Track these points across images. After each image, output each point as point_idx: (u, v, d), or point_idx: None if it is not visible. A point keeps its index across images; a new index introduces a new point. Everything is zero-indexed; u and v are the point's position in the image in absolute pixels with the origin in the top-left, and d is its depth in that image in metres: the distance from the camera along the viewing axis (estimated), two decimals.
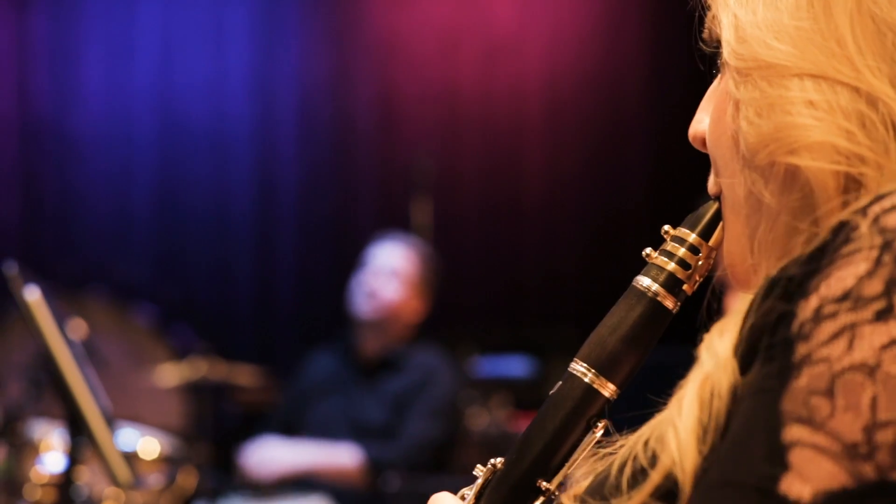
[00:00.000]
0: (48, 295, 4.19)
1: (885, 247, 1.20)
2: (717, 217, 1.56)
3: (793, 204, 1.37)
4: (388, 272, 6.37)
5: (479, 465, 1.61)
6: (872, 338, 1.17)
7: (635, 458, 1.38)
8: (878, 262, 1.20)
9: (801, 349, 1.20)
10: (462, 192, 9.00)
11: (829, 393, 1.17)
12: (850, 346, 1.18)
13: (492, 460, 1.59)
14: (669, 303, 1.57)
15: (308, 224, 8.99)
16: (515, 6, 9.19)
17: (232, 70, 9.07)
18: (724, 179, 1.50)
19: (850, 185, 1.33)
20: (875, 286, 1.19)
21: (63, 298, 5.77)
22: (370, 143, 9.09)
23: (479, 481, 1.59)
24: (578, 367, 1.58)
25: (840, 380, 1.17)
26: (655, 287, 1.57)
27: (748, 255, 1.47)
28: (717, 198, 1.55)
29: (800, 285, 1.24)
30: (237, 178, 8.99)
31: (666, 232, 1.60)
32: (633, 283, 1.58)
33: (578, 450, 1.59)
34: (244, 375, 6.71)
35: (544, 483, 1.57)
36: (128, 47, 9.06)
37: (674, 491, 1.30)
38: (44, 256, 8.67)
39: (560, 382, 1.59)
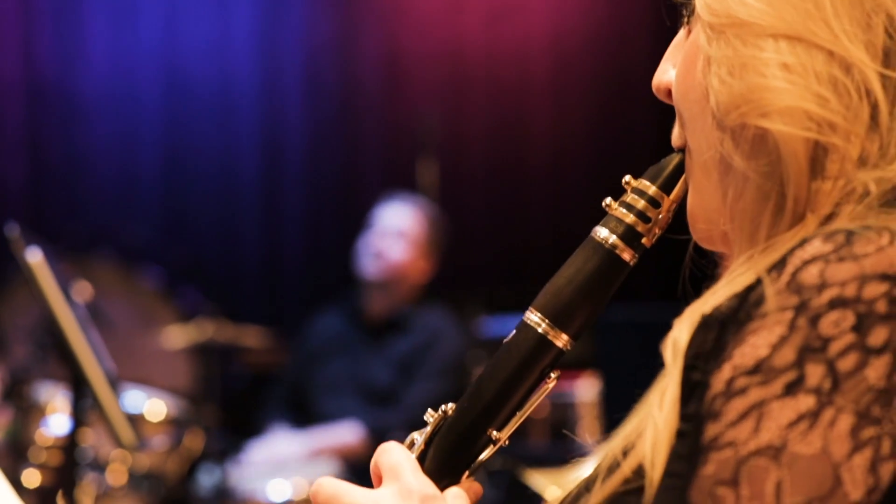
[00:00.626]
0: (51, 257, 4.18)
1: (801, 308, 1.18)
2: (680, 170, 1.54)
3: (762, 168, 1.34)
4: (395, 233, 6.36)
5: (429, 410, 1.58)
6: (780, 415, 1.15)
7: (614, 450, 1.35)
8: (791, 327, 1.18)
9: (710, 430, 1.18)
10: (468, 153, 8.97)
11: (734, 482, 1.16)
12: (757, 426, 1.16)
13: (443, 406, 1.57)
14: (627, 255, 1.54)
15: (314, 185, 8.97)
16: None
17: (237, 30, 9.03)
18: (691, 134, 1.48)
19: (820, 152, 1.31)
20: (787, 355, 1.17)
21: (70, 261, 5.77)
22: (376, 104, 9.06)
23: (429, 427, 1.57)
24: (533, 317, 1.55)
25: (745, 466, 1.16)
26: (613, 239, 1.54)
27: (714, 214, 1.44)
28: (681, 150, 1.53)
29: (716, 346, 1.22)
30: (243, 140, 8.97)
31: (627, 182, 1.57)
32: (592, 234, 1.56)
33: (531, 400, 1.57)
34: (251, 337, 6.71)
35: (495, 432, 1.55)
36: (133, 8, 9.02)
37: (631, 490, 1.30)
38: (50, 219, 8.67)
39: (514, 331, 1.57)
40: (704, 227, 1.49)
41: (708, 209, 1.46)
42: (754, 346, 1.19)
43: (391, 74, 9.07)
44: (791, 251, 1.23)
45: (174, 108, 8.98)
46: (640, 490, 1.27)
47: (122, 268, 7.53)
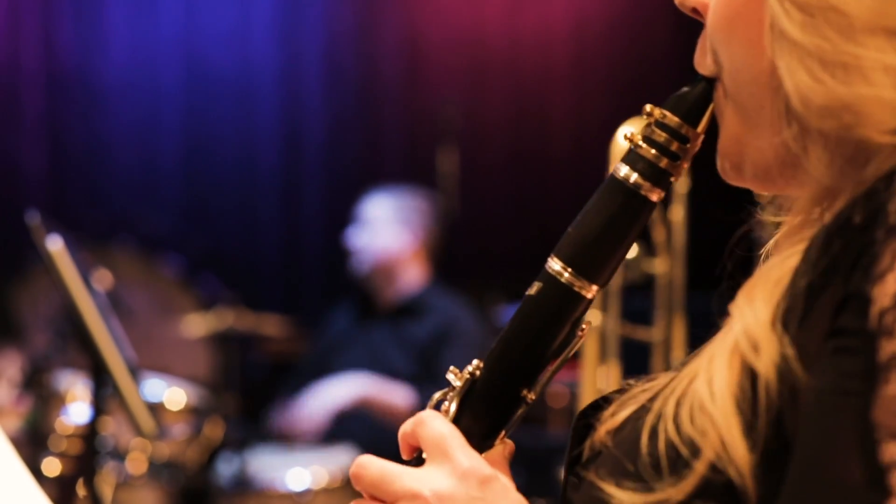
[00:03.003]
0: (71, 245, 4.17)
1: None
2: (707, 99, 1.42)
3: (840, 166, 1.24)
4: (366, 225, 6.42)
5: (454, 370, 1.51)
6: None
7: (667, 431, 1.26)
8: None
9: (887, 347, 1.09)
10: (489, 140, 8.95)
11: None
12: None
13: (468, 367, 1.49)
14: (653, 195, 1.44)
15: (334, 173, 8.95)
16: None
17: (257, 19, 9.02)
18: (731, 81, 1.36)
19: None
20: None
21: (90, 249, 5.76)
22: (396, 92, 9.04)
23: (459, 390, 1.49)
24: (555, 266, 1.47)
25: None
26: (636, 178, 1.43)
27: (760, 157, 1.34)
28: (706, 79, 1.42)
29: (866, 253, 1.13)
30: (263, 128, 8.96)
31: (649, 114, 1.45)
32: (613, 173, 1.45)
33: (561, 357, 1.49)
34: (271, 326, 6.70)
35: (526, 390, 1.48)
36: None
37: (715, 483, 1.21)
38: (71, 207, 8.67)
39: (538, 283, 1.48)
40: (736, 166, 1.39)
41: (742, 149, 1.36)
42: None
43: (411, 62, 9.05)
44: None
45: (194, 96, 8.97)
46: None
47: (142, 256, 7.53)
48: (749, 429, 1.18)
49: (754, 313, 1.21)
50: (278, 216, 8.93)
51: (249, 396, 7.08)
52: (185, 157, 8.97)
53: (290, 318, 7.08)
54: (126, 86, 8.96)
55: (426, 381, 6.02)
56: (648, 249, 4.03)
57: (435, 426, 1.43)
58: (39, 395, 5.40)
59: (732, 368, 1.21)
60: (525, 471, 5.75)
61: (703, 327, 1.36)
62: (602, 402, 1.45)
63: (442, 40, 9.03)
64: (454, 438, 1.42)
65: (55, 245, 4.08)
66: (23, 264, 7.15)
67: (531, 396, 1.49)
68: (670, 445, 1.26)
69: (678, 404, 1.27)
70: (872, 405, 1.09)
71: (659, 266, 4.02)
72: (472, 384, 1.49)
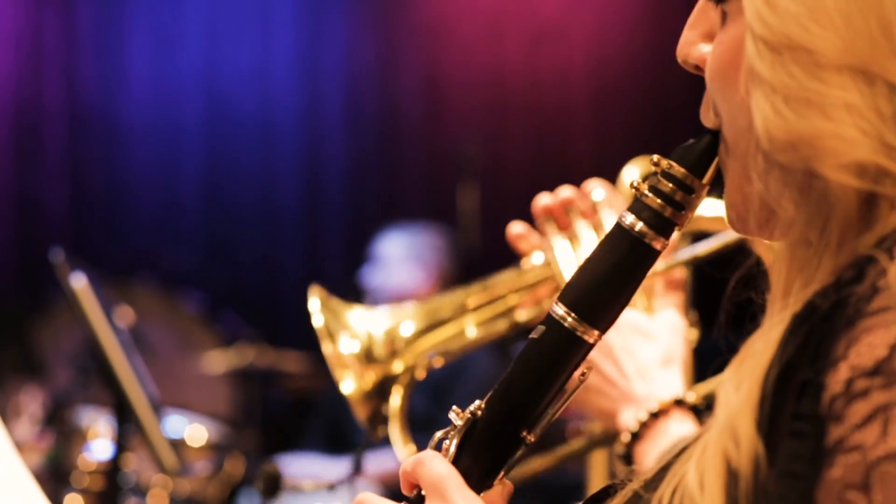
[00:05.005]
0: (95, 282, 4.19)
1: None
2: (712, 151, 1.44)
3: (807, 214, 1.26)
4: (380, 263, 6.43)
5: (456, 409, 1.53)
6: None
7: None
8: None
9: (834, 432, 1.14)
10: (509, 178, 8.96)
11: (865, 487, 1.12)
12: (885, 430, 1.12)
13: (470, 406, 1.51)
14: (657, 244, 1.46)
15: (355, 210, 8.98)
16: None
17: (278, 56, 9.07)
18: (728, 129, 1.39)
19: (874, 199, 1.23)
20: None
21: (111, 286, 5.79)
22: (417, 129, 9.06)
23: (459, 430, 1.51)
24: (559, 310, 1.48)
25: (876, 471, 1.12)
26: (641, 226, 1.46)
27: (759, 212, 1.36)
28: (711, 131, 1.44)
29: (825, 342, 1.17)
30: (284, 165, 8.99)
31: (655, 164, 1.47)
32: (619, 221, 1.47)
33: (562, 400, 1.51)
34: (291, 362, 6.72)
35: (526, 432, 1.50)
36: (174, 35, 9.07)
37: None
38: (92, 244, 8.71)
39: (541, 326, 1.50)
40: (742, 218, 1.41)
41: (747, 201, 1.38)
42: (871, 345, 1.14)
43: (432, 100, 9.07)
44: (886, 242, 1.18)
45: (215, 133, 9.01)
46: None
47: (163, 292, 7.56)
48: None
49: (738, 400, 1.23)
50: (299, 253, 8.95)
51: (270, 432, 7.09)
52: (207, 193, 9.01)
53: (310, 355, 7.09)
54: (147, 123, 9.01)
55: (441, 419, 6.02)
56: None
57: (434, 467, 1.46)
58: (61, 431, 5.42)
59: (720, 459, 1.23)
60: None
61: (706, 364, 1.36)
62: (609, 490, 1.48)
63: (462, 78, 9.06)
64: (452, 479, 1.45)
65: (79, 282, 4.10)
66: (44, 301, 7.18)
67: (531, 438, 1.51)
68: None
69: (673, 494, 1.29)
70: (817, 488, 1.14)
71: None
72: (472, 424, 1.51)
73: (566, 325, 1.47)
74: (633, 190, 1.47)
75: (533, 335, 1.50)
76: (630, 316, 2.27)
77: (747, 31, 1.30)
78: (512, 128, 9.05)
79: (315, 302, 2.47)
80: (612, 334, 1.94)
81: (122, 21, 9.09)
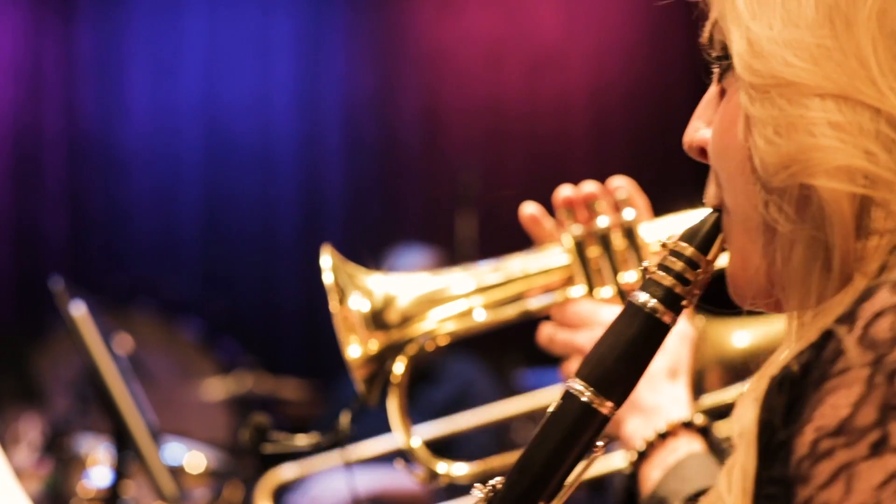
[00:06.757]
0: (94, 310, 4.19)
1: (877, 364, 1.17)
2: (717, 229, 1.53)
3: (808, 231, 1.32)
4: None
5: (478, 485, 1.58)
6: (869, 476, 1.15)
7: None
8: (870, 385, 1.17)
9: (802, 493, 1.18)
10: (507, 206, 8.96)
11: None
12: (848, 488, 1.16)
13: (491, 481, 1.56)
14: (668, 318, 1.54)
15: (354, 238, 8.98)
16: (560, 18, 9.17)
17: (277, 85, 9.09)
18: (730, 195, 1.47)
19: (866, 208, 1.30)
20: (869, 415, 1.16)
21: (110, 313, 5.79)
22: (415, 158, 9.08)
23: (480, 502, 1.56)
24: (576, 386, 1.54)
25: None
26: (653, 303, 1.53)
27: (757, 276, 1.43)
28: (716, 209, 1.53)
29: (795, 406, 1.22)
30: (283, 193, 9.01)
31: (664, 245, 1.56)
32: (631, 299, 1.55)
33: (578, 469, 1.56)
34: (290, 389, 6.72)
35: None
36: (174, 63, 9.10)
37: None
38: (91, 271, 8.71)
39: (558, 400, 1.56)
40: (748, 288, 1.47)
41: (750, 270, 1.45)
42: (834, 406, 1.18)
43: (431, 128, 9.10)
44: (858, 303, 1.22)
45: (214, 161, 9.03)
46: None
47: (162, 320, 7.55)
48: None
49: (745, 411, 1.30)
50: (297, 280, 8.95)
51: (269, 460, 7.07)
52: (205, 221, 9.02)
53: (309, 382, 7.09)
54: (147, 151, 9.03)
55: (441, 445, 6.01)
56: None
57: None
58: (60, 458, 5.41)
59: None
60: None
61: None
62: None
63: (461, 106, 9.09)
64: None
65: (78, 310, 4.11)
66: (43, 328, 7.17)
67: None
68: None
69: None
70: None
71: None
72: (492, 496, 1.56)
73: (583, 398, 1.54)
74: (643, 272, 1.56)
75: (551, 409, 1.56)
76: None
77: (740, 84, 1.39)
78: (510, 156, 9.07)
79: (326, 259, 2.49)
80: None
81: (122, 50, 9.12)
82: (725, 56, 1.45)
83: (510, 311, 2.47)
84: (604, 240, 2.41)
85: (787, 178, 1.33)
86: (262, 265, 8.97)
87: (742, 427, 1.29)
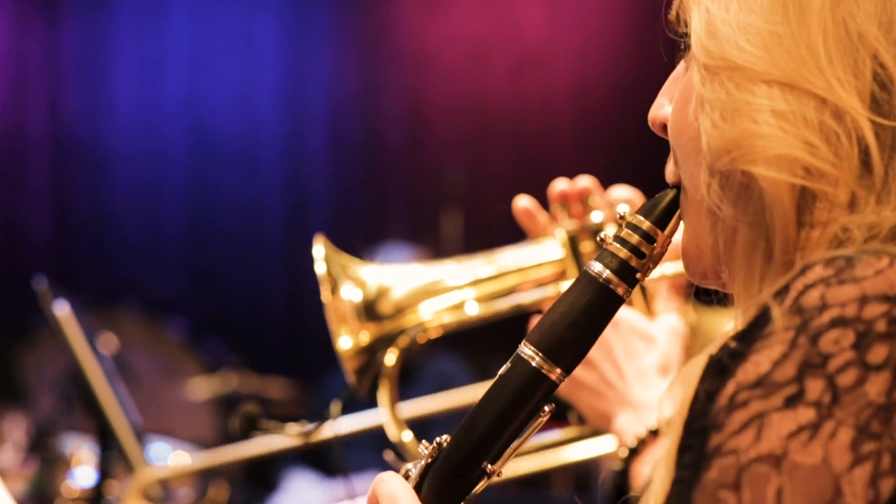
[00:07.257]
0: (78, 310, 4.19)
1: (802, 328, 1.20)
2: (675, 205, 1.54)
3: (748, 218, 1.35)
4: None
5: (424, 442, 1.59)
6: (780, 426, 1.17)
7: None
8: (792, 345, 1.19)
9: (714, 439, 1.21)
10: (492, 204, 8.98)
11: (736, 486, 1.18)
12: (759, 435, 1.18)
13: (437, 438, 1.57)
14: (621, 290, 1.54)
15: (339, 237, 8.94)
16: (545, 18, 9.17)
17: (262, 83, 9.09)
18: (684, 172, 1.48)
19: (807, 199, 1.32)
20: (788, 370, 1.19)
21: (95, 313, 5.78)
22: (400, 156, 9.08)
23: (424, 459, 1.57)
24: (527, 350, 1.55)
25: (747, 472, 1.18)
26: (607, 274, 1.54)
27: (707, 251, 1.45)
28: (675, 186, 1.53)
29: (722, 371, 1.24)
30: (268, 192, 9.00)
31: (622, 217, 1.57)
32: (586, 269, 1.56)
33: (525, 433, 1.57)
34: (275, 388, 6.72)
35: (489, 465, 1.55)
36: (158, 62, 9.09)
37: None
38: (76, 271, 8.70)
39: (508, 364, 1.57)
40: (698, 265, 1.50)
41: (701, 246, 1.47)
42: (756, 363, 1.21)
43: (415, 126, 9.10)
44: (793, 279, 1.24)
45: (199, 160, 9.02)
46: None
47: (146, 319, 7.55)
48: None
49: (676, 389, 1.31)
50: (282, 280, 8.95)
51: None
52: (190, 221, 9.01)
53: (294, 381, 7.09)
54: (131, 150, 9.02)
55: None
56: None
57: (391, 484, 1.53)
58: (45, 458, 5.40)
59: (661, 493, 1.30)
60: None
61: None
62: None
63: (445, 105, 9.09)
64: (405, 494, 1.52)
65: (62, 310, 4.10)
66: (27, 328, 7.17)
67: (494, 469, 1.56)
68: None
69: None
70: (694, 489, 1.21)
71: None
72: (437, 455, 1.57)
73: (533, 363, 1.54)
74: (600, 242, 1.56)
75: (500, 372, 1.57)
76: (631, 318, 2.32)
77: (693, 63, 1.42)
78: (495, 154, 9.07)
79: (319, 250, 2.49)
80: (613, 336, 2.20)
81: (106, 49, 9.11)
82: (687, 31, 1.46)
83: (503, 305, 2.47)
84: (598, 234, 2.41)
85: (729, 162, 1.35)
86: (248, 265, 8.97)
87: (676, 405, 1.30)
